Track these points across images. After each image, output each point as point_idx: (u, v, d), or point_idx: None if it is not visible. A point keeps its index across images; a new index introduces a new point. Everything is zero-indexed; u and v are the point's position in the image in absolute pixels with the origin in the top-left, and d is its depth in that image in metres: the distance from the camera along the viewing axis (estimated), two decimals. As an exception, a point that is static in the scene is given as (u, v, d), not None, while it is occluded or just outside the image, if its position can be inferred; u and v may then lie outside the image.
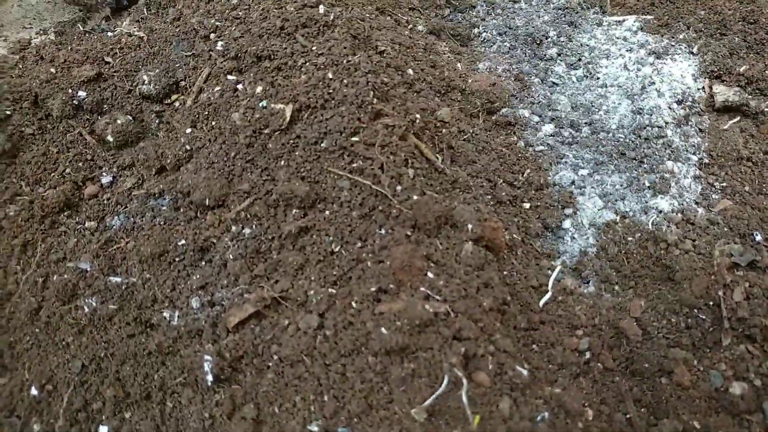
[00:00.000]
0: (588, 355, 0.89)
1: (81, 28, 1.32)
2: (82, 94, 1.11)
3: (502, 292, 0.85)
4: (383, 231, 0.83)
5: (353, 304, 0.79)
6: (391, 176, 0.85)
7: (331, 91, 0.92)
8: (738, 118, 1.21)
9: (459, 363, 0.75)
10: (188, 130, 1.03)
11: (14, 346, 0.87)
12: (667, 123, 1.19)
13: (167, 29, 1.21)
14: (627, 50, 1.32)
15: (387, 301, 0.78)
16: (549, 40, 1.36)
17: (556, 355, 0.88)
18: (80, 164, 1.05)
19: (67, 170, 1.04)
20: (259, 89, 0.98)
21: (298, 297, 0.81)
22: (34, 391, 0.85)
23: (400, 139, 0.89)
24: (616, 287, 0.98)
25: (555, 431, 0.77)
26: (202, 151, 0.98)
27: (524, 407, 0.76)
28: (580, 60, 1.32)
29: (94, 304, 0.87)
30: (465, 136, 1.09)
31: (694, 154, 1.16)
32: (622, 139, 1.17)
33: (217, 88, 1.07)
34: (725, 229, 1.04)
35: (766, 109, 1.22)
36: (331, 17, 1.07)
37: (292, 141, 0.91)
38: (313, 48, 1.00)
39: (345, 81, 0.93)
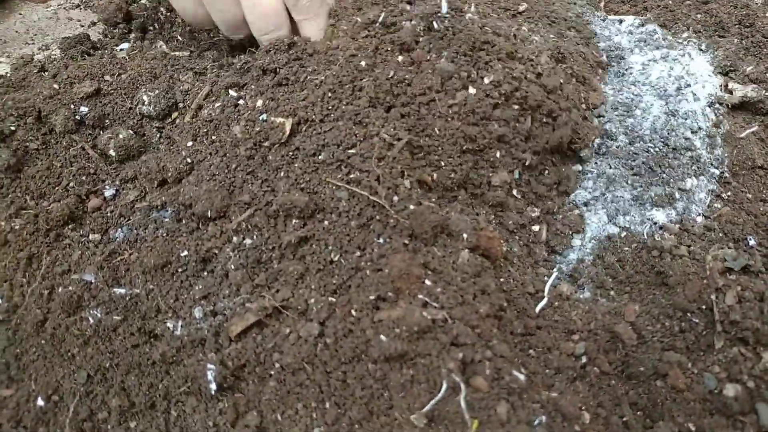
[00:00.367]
0: (584, 359, 0.91)
1: (84, 47, 1.34)
2: (84, 109, 1.13)
3: (499, 298, 0.87)
4: (381, 240, 0.85)
5: (353, 312, 0.81)
6: (387, 187, 0.87)
7: (329, 107, 0.95)
8: (754, 126, 1.21)
9: (457, 368, 0.77)
10: (189, 144, 1.05)
11: (20, 358, 0.89)
12: (698, 130, 1.16)
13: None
14: (649, 47, 1.31)
15: (386, 308, 0.80)
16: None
17: (552, 360, 0.89)
18: (83, 178, 1.07)
19: (71, 184, 1.06)
20: (259, 103, 1.00)
21: (298, 306, 0.83)
22: (40, 402, 0.86)
23: (398, 152, 0.91)
24: (612, 292, 1.00)
25: (552, 435, 0.78)
26: (203, 164, 1.00)
27: (521, 411, 0.77)
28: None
29: (98, 315, 0.89)
30: None
31: (717, 168, 1.15)
32: (652, 150, 1.13)
33: (218, 104, 1.09)
34: (720, 235, 1.06)
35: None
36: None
37: (291, 153, 0.93)
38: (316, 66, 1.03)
39: (344, 100, 0.96)
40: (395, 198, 0.87)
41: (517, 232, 1.03)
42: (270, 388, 0.81)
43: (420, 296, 0.81)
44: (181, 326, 0.87)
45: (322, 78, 1.00)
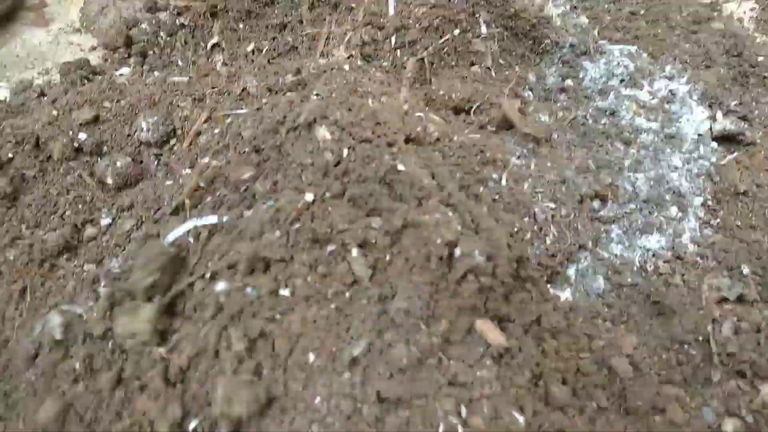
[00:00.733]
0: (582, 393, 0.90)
1: (84, 71, 1.34)
2: (82, 136, 1.13)
3: (495, 332, 0.86)
4: None
5: None
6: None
7: None
8: (735, 153, 1.23)
9: (453, 409, 0.76)
10: (187, 171, 1.05)
11: (10, 395, 0.88)
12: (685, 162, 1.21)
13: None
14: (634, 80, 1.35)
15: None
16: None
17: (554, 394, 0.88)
18: (80, 206, 1.07)
19: (67, 212, 1.06)
20: None
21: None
22: (29, 439, 0.85)
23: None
24: (608, 324, 0.99)
25: (550, 472, 0.77)
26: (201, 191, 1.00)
27: (519, 450, 0.77)
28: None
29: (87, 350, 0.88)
30: None
31: (699, 195, 1.17)
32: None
33: (216, 130, 1.09)
34: (713, 263, 1.05)
35: (758, 140, 1.24)
36: None
37: None
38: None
39: None
40: None
41: None
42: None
43: None
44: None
45: None
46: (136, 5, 1.59)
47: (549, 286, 1.03)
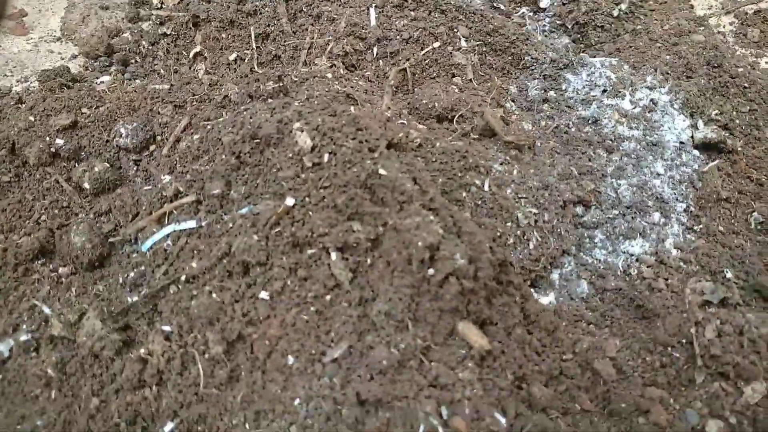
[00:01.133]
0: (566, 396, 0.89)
1: (63, 79, 1.33)
2: (59, 141, 1.12)
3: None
4: None
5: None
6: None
7: None
8: (716, 160, 1.24)
9: (434, 410, 0.74)
10: (166, 177, 1.04)
11: (-18, 399, 0.85)
12: (667, 169, 1.22)
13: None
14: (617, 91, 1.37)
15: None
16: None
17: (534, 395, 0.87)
18: (56, 211, 1.05)
19: (43, 217, 1.04)
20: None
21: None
22: (0, 444, 0.83)
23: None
24: (592, 327, 0.98)
25: (533, 475, 0.76)
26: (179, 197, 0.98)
27: (501, 452, 0.75)
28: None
29: (62, 354, 0.86)
30: None
31: (682, 201, 1.18)
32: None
33: (196, 136, 1.08)
34: (696, 267, 1.05)
35: (739, 148, 1.26)
36: None
37: None
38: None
39: None
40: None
41: None
42: None
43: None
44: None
45: None
46: (119, 15, 1.59)
47: (533, 290, 1.02)
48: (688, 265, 1.07)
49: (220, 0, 1.49)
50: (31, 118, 1.17)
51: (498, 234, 1.06)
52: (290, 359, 0.80)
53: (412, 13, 1.45)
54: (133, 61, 1.48)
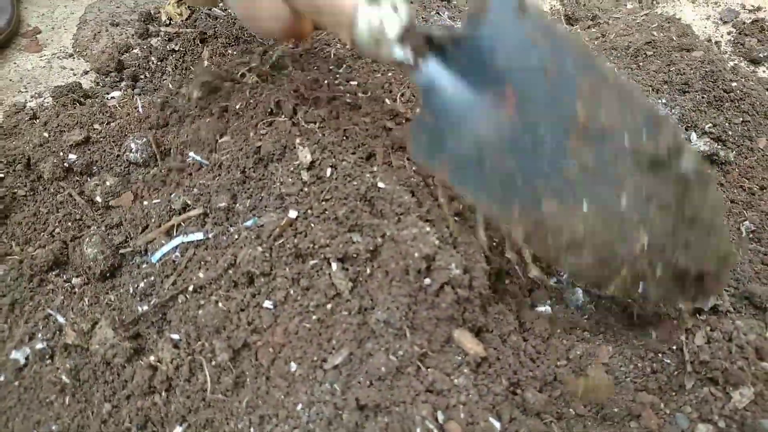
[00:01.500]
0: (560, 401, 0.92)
1: (76, 95, 1.38)
2: (72, 156, 1.16)
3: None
4: None
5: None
6: None
7: None
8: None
9: (431, 415, 0.78)
10: (174, 191, 1.08)
11: (-1, 404, 0.89)
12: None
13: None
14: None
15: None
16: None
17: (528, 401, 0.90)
18: (69, 224, 1.09)
19: (57, 230, 1.08)
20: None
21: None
22: (16, 448, 0.87)
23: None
24: (586, 333, 1.01)
25: (526, 477, 0.79)
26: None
27: (495, 454, 0.78)
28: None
29: (75, 362, 0.90)
30: None
31: None
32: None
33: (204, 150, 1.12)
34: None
35: (732, 159, 1.28)
36: None
37: None
38: None
39: None
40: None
41: None
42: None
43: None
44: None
45: None
46: (129, 31, 1.64)
47: (528, 298, 1.05)
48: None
49: (226, 17, 1.54)
50: (46, 134, 1.22)
51: (494, 243, 1.09)
52: (293, 366, 0.84)
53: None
54: (142, 76, 1.52)
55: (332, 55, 1.34)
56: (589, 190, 0.83)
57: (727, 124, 1.33)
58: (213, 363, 0.86)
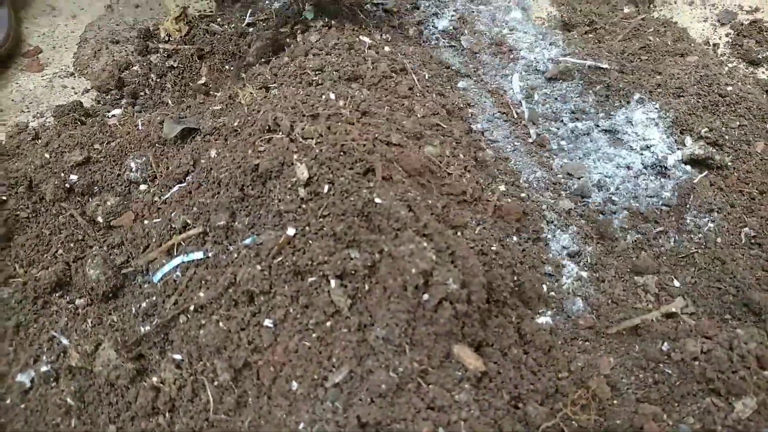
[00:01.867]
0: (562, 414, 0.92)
1: (77, 114, 1.39)
2: (73, 177, 1.17)
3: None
4: None
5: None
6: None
7: None
8: (705, 172, 1.27)
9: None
10: (174, 210, 1.09)
11: (5, 428, 0.90)
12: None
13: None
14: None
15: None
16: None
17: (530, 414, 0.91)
18: (71, 244, 1.10)
19: (59, 251, 1.09)
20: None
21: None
22: (23, 472, 0.88)
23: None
24: (587, 344, 1.01)
25: (528, 492, 0.79)
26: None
27: (497, 471, 0.79)
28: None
29: (80, 384, 0.91)
30: None
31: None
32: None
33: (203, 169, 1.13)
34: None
35: (729, 163, 1.28)
36: None
37: None
38: None
39: None
40: None
41: None
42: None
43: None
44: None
45: None
46: (128, 48, 1.65)
47: (528, 310, 1.05)
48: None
49: (223, 33, 1.55)
50: (47, 155, 1.23)
51: (493, 255, 1.09)
52: (294, 384, 0.84)
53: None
54: (142, 93, 1.54)
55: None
56: None
57: (723, 128, 1.33)
58: (215, 383, 0.87)
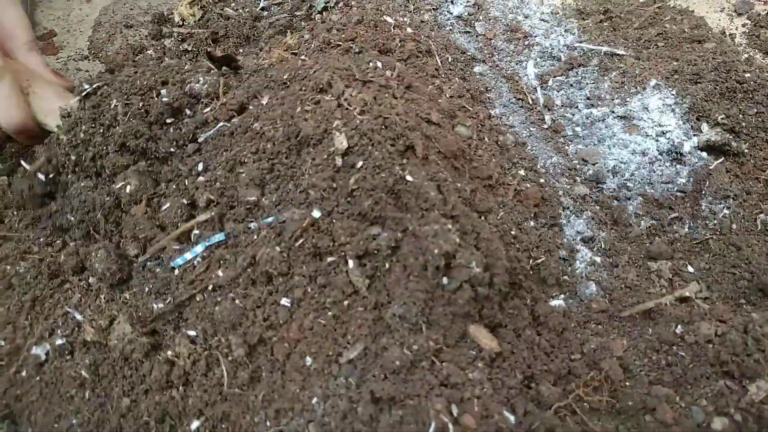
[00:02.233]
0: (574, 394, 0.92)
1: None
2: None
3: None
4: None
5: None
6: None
7: None
8: (721, 158, 1.26)
9: (445, 408, 0.78)
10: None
11: (21, 399, 0.91)
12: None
13: None
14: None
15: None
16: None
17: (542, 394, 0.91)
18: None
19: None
20: None
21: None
22: (38, 443, 0.89)
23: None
24: (599, 327, 1.01)
25: (542, 471, 0.79)
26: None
27: (510, 449, 0.79)
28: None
29: (94, 357, 0.92)
30: None
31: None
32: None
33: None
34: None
35: (746, 150, 1.27)
36: None
37: None
38: None
39: None
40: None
41: None
42: None
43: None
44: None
45: None
46: (142, 33, 1.66)
47: (542, 293, 1.05)
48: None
49: (237, 17, 1.55)
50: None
51: (513, 239, 1.08)
52: (308, 360, 0.85)
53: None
54: (156, 76, 1.54)
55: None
56: None
57: (740, 115, 1.32)
58: (229, 358, 0.87)
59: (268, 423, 0.81)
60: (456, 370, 0.83)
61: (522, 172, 1.21)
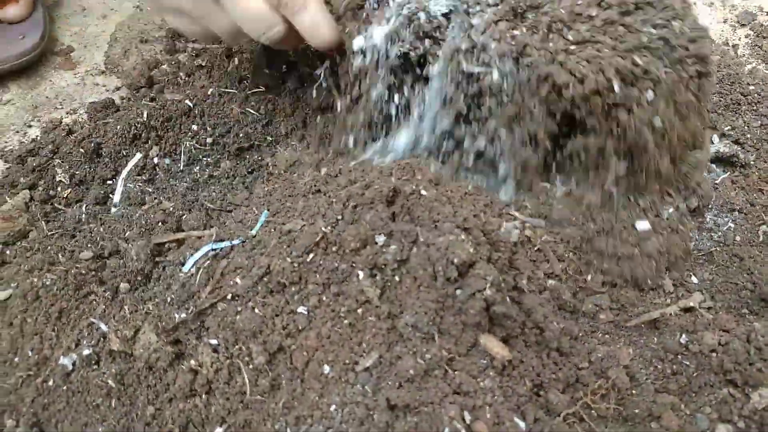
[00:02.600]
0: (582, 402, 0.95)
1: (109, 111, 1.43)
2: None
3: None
4: None
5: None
6: None
7: None
8: (728, 173, 1.29)
9: (458, 415, 0.81)
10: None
11: (48, 408, 0.95)
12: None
13: None
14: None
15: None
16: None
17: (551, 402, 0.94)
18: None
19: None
20: None
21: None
22: (64, 451, 0.92)
23: None
24: (606, 336, 1.04)
25: (550, 476, 0.82)
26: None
27: (521, 455, 0.82)
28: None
29: (120, 367, 0.95)
30: None
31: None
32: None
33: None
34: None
35: (751, 162, 1.30)
36: None
37: None
38: None
39: None
40: None
41: None
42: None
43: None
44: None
45: None
46: (157, 48, 1.70)
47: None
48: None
49: (251, 32, 1.59)
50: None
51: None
52: (326, 368, 0.88)
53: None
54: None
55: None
56: None
57: (745, 127, 1.35)
58: (250, 366, 0.91)
59: (288, 430, 0.85)
60: (468, 379, 0.86)
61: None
